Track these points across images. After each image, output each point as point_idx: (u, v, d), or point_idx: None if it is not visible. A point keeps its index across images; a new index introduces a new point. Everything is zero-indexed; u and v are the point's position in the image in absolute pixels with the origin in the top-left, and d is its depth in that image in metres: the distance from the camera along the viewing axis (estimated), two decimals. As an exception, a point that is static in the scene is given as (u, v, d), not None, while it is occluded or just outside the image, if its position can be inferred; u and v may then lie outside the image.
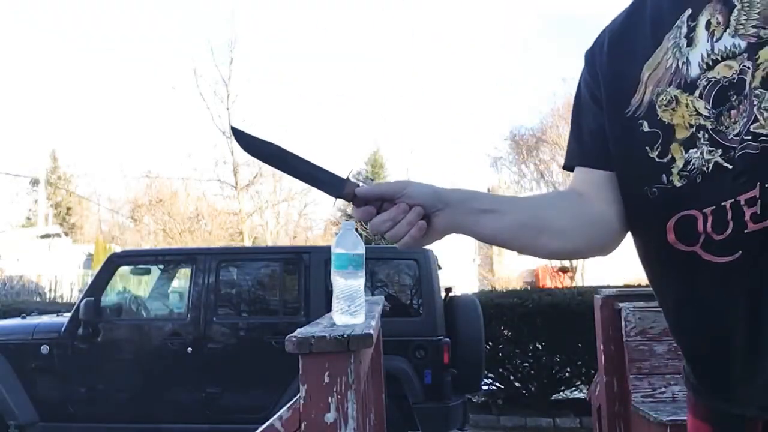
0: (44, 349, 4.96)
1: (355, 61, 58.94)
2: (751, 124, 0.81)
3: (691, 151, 0.86)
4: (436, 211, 0.94)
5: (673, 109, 0.88)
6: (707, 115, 0.85)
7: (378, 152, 31.98)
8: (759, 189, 0.80)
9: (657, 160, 0.89)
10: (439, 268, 5.25)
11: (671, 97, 0.89)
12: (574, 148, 1.05)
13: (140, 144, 55.62)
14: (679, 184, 0.87)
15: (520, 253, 1.04)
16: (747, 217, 0.81)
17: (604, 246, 1.00)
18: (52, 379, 4.95)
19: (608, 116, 0.96)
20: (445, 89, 59.76)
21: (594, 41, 1.03)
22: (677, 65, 0.89)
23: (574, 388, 7.04)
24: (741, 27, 0.84)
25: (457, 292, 6.07)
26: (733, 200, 0.82)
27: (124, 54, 56.48)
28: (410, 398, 4.75)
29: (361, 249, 1.25)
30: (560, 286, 16.63)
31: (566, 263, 21.81)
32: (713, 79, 0.85)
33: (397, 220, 0.91)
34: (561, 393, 7.08)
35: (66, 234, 31.50)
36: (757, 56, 0.81)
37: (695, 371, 0.94)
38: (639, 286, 4.19)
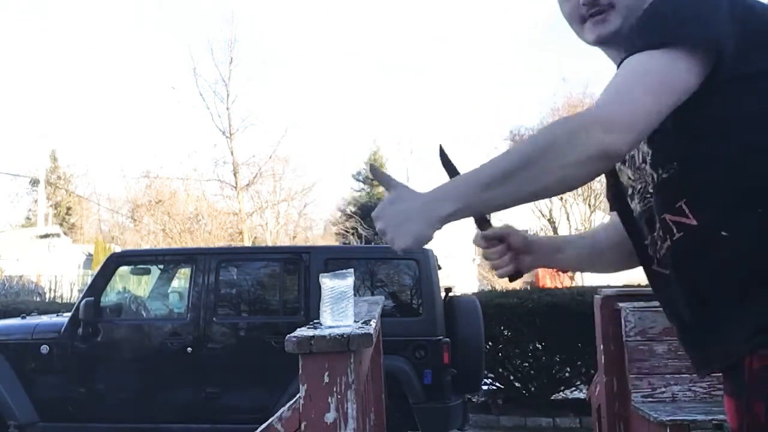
0: (44, 349, 4.95)
1: (355, 61, 58.93)
2: None
3: None
4: (525, 255, 1.35)
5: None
6: None
7: (378, 152, 31.95)
8: None
9: None
10: (439, 268, 5.24)
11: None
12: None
13: (140, 144, 55.64)
14: None
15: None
16: None
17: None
18: (52, 379, 4.95)
19: None
20: (445, 89, 59.70)
21: None
22: None
23: (574, 388, 7.03)
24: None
25: (457, 292, 6.06)
26: None
27: (124, 54, 56.52)
28: (410, 398, 4.74)
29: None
30: (560, 286, 16.59)
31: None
32: None
33: (502, 256, 1.34)
34: (561, 393, 7.08)
35: (66, 234, 31.49)
36: None
37: None
38: (639, 286, 4.18)
